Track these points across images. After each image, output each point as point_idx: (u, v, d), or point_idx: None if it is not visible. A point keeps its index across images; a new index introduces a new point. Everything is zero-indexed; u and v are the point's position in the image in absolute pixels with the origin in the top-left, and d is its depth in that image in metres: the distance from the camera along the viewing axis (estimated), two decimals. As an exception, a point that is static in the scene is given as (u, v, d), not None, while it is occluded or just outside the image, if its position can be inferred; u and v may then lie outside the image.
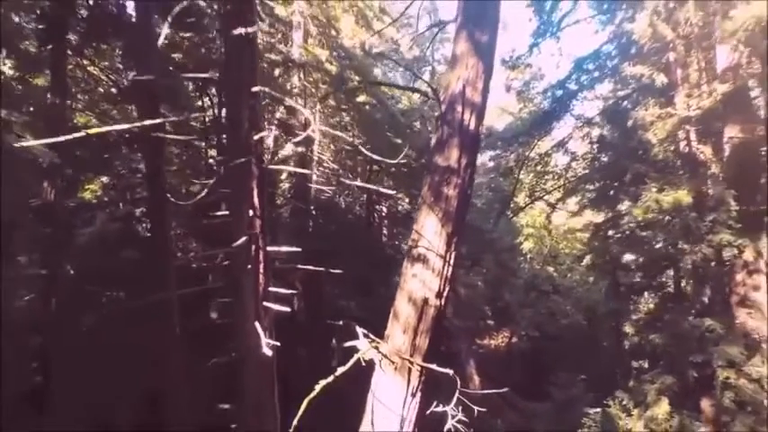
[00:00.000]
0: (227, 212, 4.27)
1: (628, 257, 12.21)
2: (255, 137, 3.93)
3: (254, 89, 3.87)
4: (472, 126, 4.72)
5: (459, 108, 4.68)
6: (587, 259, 11.79)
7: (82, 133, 2.43)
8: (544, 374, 18.64)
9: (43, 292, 5.65)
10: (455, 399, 4.79)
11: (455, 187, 4.58)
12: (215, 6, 8.62)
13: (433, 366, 4.33)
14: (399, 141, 16.19)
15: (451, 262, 4.59)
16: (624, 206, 10.06)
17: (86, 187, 11.49)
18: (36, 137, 6.46)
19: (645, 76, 9.39)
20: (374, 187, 8.74)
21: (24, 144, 5.07)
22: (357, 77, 15.11)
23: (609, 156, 11.50)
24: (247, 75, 3.90)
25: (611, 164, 10.50)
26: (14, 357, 5.51)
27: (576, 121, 12.98)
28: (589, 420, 12.31)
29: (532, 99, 14.99)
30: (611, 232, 10.56)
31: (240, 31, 3.51)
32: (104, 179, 11.32)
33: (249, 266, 4.00)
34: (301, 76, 14.41)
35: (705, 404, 9.12)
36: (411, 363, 4.41)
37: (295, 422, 3.61)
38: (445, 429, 4.71)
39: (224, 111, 9.32)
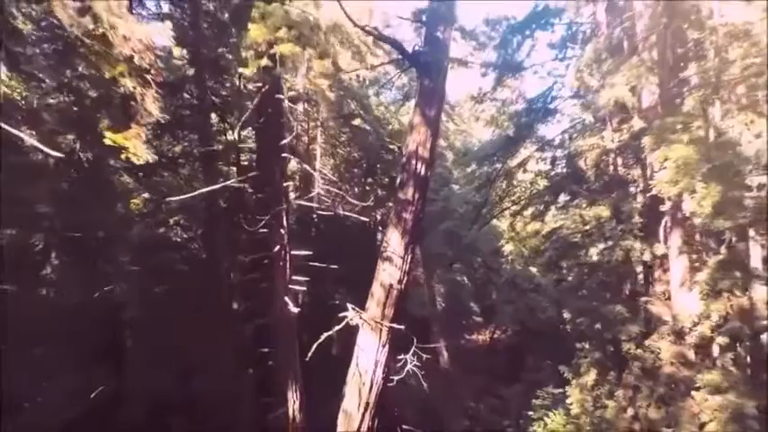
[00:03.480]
0: (266, 230, 6.78)
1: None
2: (285, 184, 6.40)
3: (284, 155, 6.36)
4: (422, 173, 7.20)
5: (414, 161, 7.17)
6: (542, 259, 14.32)
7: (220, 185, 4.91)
8: (522, 363, 21.15)
9: (130, 282, 8.14)
10: (412, 349, 7.36)
11: (410, 213, 7.09)
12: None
13: (395, 325, 6.84)
14: (390, 158, 18.96)
15: (408, 261, 7.10)
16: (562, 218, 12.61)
17: (131, 201, 14.10)
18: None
19: (577, 115, 11.90)
20: (354, 215, 11.27)
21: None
22: (354, 103, 17.89)
23: (560, 174, 14.02)
24: (278, 146, 6.38)
25: (557, 183, 13.04)
26: (114, 329, 8.04)
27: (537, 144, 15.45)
28: (543, 393, 14.83)
29: (504, 121, 17.50)
30: (554, 238, 13.02)
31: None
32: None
33: (281, 263, 6.48)
34: (305, 104, 17.02)
35: (625, 373, 11.64)
36: (382, 325, 6.92)
37: (309, 354, 6.11)
38: (404, 371, 7.31)
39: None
